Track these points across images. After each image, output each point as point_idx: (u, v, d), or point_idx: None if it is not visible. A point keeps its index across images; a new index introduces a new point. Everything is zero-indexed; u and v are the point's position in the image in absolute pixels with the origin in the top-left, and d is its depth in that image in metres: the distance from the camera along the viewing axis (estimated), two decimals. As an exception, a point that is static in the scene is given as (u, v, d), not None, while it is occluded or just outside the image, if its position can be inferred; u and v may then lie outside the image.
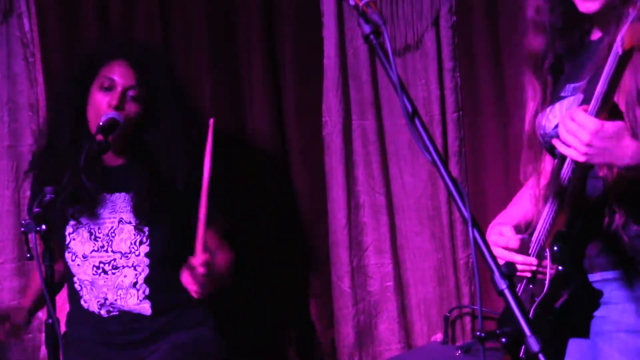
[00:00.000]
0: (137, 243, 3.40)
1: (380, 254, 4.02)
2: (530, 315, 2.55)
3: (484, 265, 1.95)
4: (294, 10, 4.05)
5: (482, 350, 1.90)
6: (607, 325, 2.56)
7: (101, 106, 3.35)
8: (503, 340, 1.90)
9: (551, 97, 2.70)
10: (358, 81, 4.00)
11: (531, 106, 2.73)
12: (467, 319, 3.96)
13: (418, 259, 4.02)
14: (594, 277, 2.58)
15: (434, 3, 3.91)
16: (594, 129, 2.27)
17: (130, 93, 3.37)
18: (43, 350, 3.99)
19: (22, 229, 2.58)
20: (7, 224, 4.07)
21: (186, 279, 3.12)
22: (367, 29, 2.08)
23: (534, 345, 1.82)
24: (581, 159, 2.32)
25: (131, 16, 4.11)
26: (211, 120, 3.07)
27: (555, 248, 2.53)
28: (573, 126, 2.30)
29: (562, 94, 2.67)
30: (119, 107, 3.32)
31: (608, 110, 2.32)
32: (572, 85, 2.65)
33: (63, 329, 3.52)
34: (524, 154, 2.79)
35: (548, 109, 2.69)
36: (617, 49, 2.21)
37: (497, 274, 1.89)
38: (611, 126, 2.30)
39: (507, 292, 1.87)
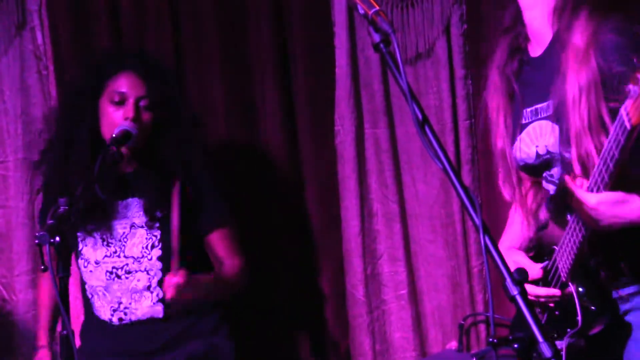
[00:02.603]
0: (149, 247, 3.41)
1: (394, 261, 4.02)
2: (564, 345, 2.56)
3: (497, 272, 1.96)
4: (305, 19, 4.06)
5: (495, 357, 1.90)
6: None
7: (116, 120, 3.35)
8: (515, 346, 1.90)
9: (513, 126, 2.72)
10: (370, 90, 4.00)
11: (501, 122, 2.76)
12: (482, 327, 3.95)
13: (432, 267, 4.02)
14: (619, 292, 2.59)
15: (445, 11, 3.92)
16: (595, 202, 2.35)
17: (142, 103, 3.38)
18: (59, 362, 4.00)
19: (37, 241, 2.59)
20: (22, 236, 4.09)
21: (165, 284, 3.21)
22: (376, 37, 2.09)
23: (547, 351, 1.82)
24: (595, 227, 2.41)
25: (143, 29, 4.13)
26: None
27: (580, 289, 2.55)
28: (577, 205, 2.39)
29: (523, 122, 2.69)
30: (135, 119, 3.34)
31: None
32: (530, 109, 2.67)
33: (78, 342, 3.53)
34: (502, 171, 2.81)
35: (517, 141, 2.71)
36: (625, 124, 2.23)
37: (508, 280, 1.89)
38: (611, 195, 2.36)
39: (518, 298, 1.87)
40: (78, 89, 3.49)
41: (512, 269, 2.61)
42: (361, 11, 2.11)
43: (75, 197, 2.81)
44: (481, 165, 3.96)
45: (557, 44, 2.57)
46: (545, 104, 2.61)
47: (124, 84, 3.39)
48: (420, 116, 2.04)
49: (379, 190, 4.03)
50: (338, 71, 4.01)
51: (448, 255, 3.99)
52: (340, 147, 4.04)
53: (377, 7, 2.09)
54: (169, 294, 3.16)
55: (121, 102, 3.37)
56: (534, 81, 2.67)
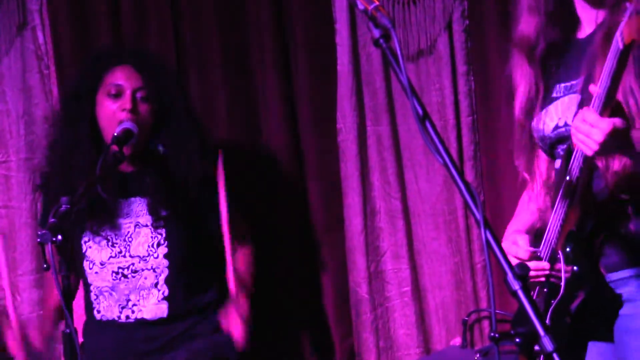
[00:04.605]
0: (155, 245, 3.41)
1: (397, 259, 4.02)
2: (547, 320, 2.54)
3: (499, 267, 1.96)
4: (307, 17, 4.05)
5: (496, 351, 1.89)
6: (635, 322, 2.56)
7: (114, 113, 3.36)
8: (517, 340, 1.89)
9: (543, 99, 2.71)
10: (372, 87, 4.00)
11: (520, 92, 2.74)
12: (486, 323, 3.95)
13: (435, 264, 4.02)
14: (611, 276, 2.57)
15: (447, 7, 3.92)
16: (608, 130, 2.28)
17: (139, 95, 3.40)
18: (62, 361, 4.00)
19: (38, 240, 2.59)
20: (25, 236, 4.09)
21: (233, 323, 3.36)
22: (376, 33, 2.08)
23: (548, 345, 1.81)
24: (590, 153, 2.34)
25: (144, 29, 4.13)
26: (220, 152, 3.20)
27: (567, 249, 2.53)
28: (585, 127, 2.31)
29: (554, 95, 2.68)
30: (133, 110, 3.34)
31: (611, 107, 2.33)
32: (563, 85, 2.66)
33: (81, 339, 3.52)
34: (516, 143, 2.81)
35: (542, 112, 2.70)
36: (618, 44, 2.21)
37: (510, 275, 1.89)
38: (620, 124, 2.31)
39: (520, 293, 1.87)
40: (76, 86, 3.49)
41: (513, 249, 2.64)
42: (361, 7, 2.11)
43: (77, 196, 2.80)
44: (484, 162, 3.95)
45: (610, 22, 2.54)
46: (578, 80, 2.60)
47: (120, 77, 3.40)
48: (420, 111, 2.03)
49: (381, 188, 4.03)
50: (340, 69, 4.01)
51: (451, 251, 3.99)
52: (342, 145, 4.04)
53: (377, 3, 2.08)
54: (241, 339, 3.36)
55: (118, 95, 3.38)
56: (574, 60, 2.65)
